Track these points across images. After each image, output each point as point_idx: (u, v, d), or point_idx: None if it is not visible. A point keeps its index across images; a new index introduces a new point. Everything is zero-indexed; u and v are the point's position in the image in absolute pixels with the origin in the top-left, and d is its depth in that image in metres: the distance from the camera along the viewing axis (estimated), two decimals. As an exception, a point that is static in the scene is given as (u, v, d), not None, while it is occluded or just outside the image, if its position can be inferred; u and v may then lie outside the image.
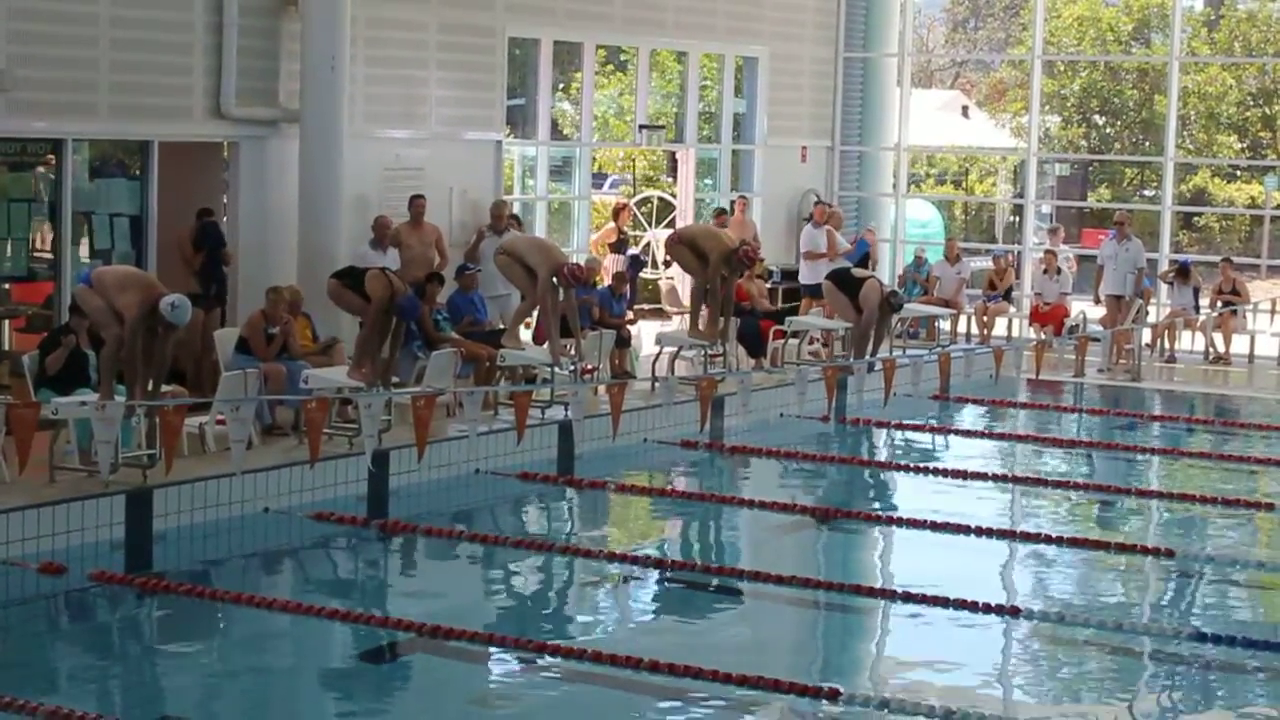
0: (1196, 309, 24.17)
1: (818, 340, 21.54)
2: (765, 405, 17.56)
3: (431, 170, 19.17)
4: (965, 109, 48.43)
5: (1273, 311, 22.43)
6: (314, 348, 15.99)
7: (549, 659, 10.14)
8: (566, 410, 15.22)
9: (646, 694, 9.62)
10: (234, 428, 12.35)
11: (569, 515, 14.63)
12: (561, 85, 27.03)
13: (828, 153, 26.48)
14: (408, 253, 18.02)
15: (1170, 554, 12.93)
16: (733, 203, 24.33)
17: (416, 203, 18.37)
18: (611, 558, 12.74)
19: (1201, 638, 10.71)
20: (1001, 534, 13.54)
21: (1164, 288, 24.90)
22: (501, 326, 18.21)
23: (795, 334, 20.88)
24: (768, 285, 23.15)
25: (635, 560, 12.66)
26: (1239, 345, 24.07)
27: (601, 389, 13.96)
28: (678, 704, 9.53)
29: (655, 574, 12.39)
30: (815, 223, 23.64)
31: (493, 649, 10.47)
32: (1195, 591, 12.42)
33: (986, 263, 27.26)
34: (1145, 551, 13.01)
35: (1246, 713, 9.76)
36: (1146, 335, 23.56)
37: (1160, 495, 15.35)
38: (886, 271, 26.17)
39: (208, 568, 12.41)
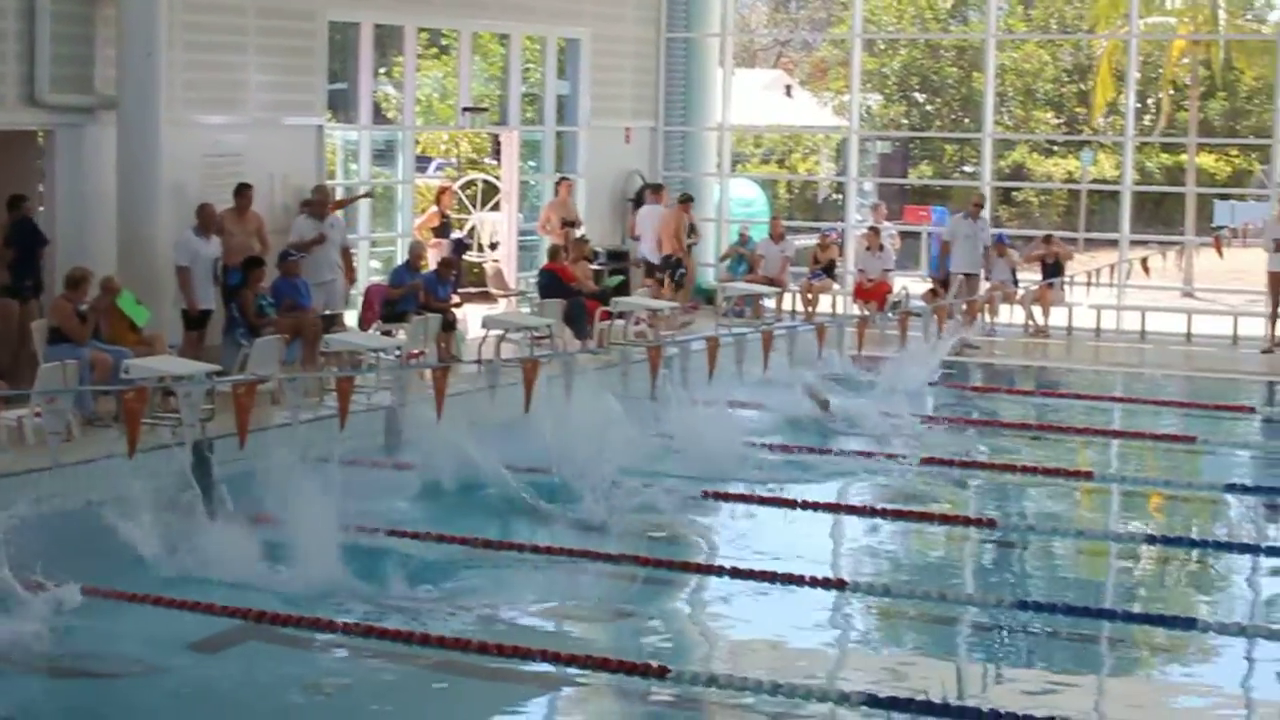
0: (1015, 283, 24.57)
1: (644, 321, 21.62)
2: (595, 383, 17.54)
3: (252, 156, 18.96)
4: (788, 88, 48.70)
5: (1089, 284, 22.78)
6: (134, 338, 15.79)
7: (379, 643, 10.09)
8: (391, 395, 15.16)
9: (471, 676, 9.63)
10: (49, 420, 12.14)
11: (397, 500, 14.52)
12: (383, 69, 26.85)
13: (651, 133, 26.56)
14: (230, 240, 17.82)
15: (992, 524, 13.15)
16: (557, 184, 24.34)
17: (244, 193, 18.19)
18: (439, 539, 12.65)
19: (1023, 606, 10.90)
20: (827, 507, 13.69)
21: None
22: (327, 312, 18.11)
23: (621, 314, 20.93)
24: (593, 266, 23.19)
25: (464, 541, 12.59)
26: (1058, 318, 24.53)
27: (427, 373, 13.88)
28: (501, 685, 9.54)
29: (489, 554, 12.33)
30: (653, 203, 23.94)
31: (322, 635, 10.40)
32: (1018, 560, 12.64)
33: (811, 240, 27.50)
34: (968, 522, 13.22)
35: (1068, 680, 9.94)
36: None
37: (983, 466, 15.55)
38: (711, 251, 26.34)
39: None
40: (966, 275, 23.36)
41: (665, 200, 24.57)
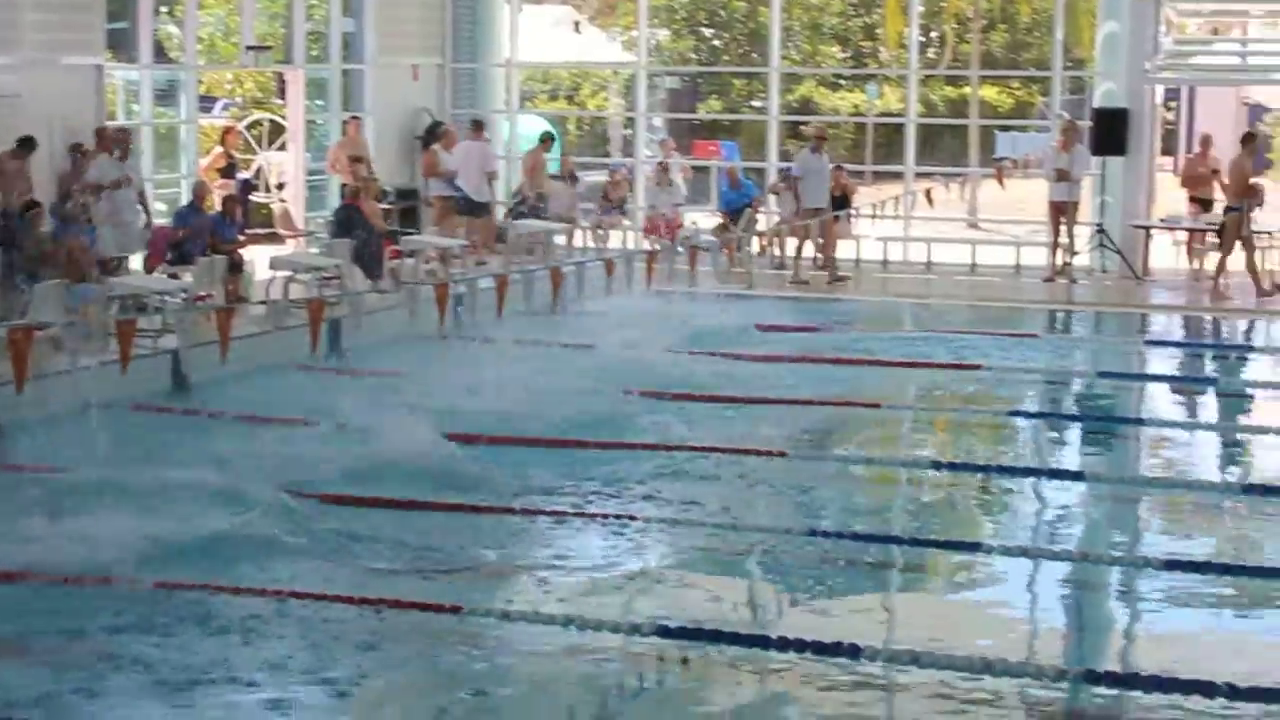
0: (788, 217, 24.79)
1: (434, 259, 21.52)
2: (382, 325, 17.46)
3: (29, 97, 18.52)
4: (577, 24, 48.54)
5: (874, 216, 23.11)
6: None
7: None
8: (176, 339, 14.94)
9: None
10: None
11: (183, 444, 14.29)
12: (165, 7, 26.31)
13: (439, 71, 26.38)
14: (8, 183, 17.46)
15: (783, 454, 13.27)
16: (345, 123, 24.09)
17: (27, 141, 17.85)
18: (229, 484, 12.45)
19: (814, 534, 11.05)
20: (617, 446, 13.65)
21: (771, 197, 25.54)
22: (120, 254, 17.84)
23: (412, 253, 20.80)
24: (383, 205, 23.01)
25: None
26: (845, 250, 24.81)
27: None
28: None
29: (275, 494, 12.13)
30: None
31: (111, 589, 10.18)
32: (808, 490, 12.73)
33: (600, 177, 27.52)
34: (759, 454, 13.30)
35: (860, 605, 10.07)
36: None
37: (773, 403, 15.49)
38: (501, 189, 26.25)
39: None
40: (816, 210, 23.31)
41: (482, 137, 24.36)
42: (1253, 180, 21.87)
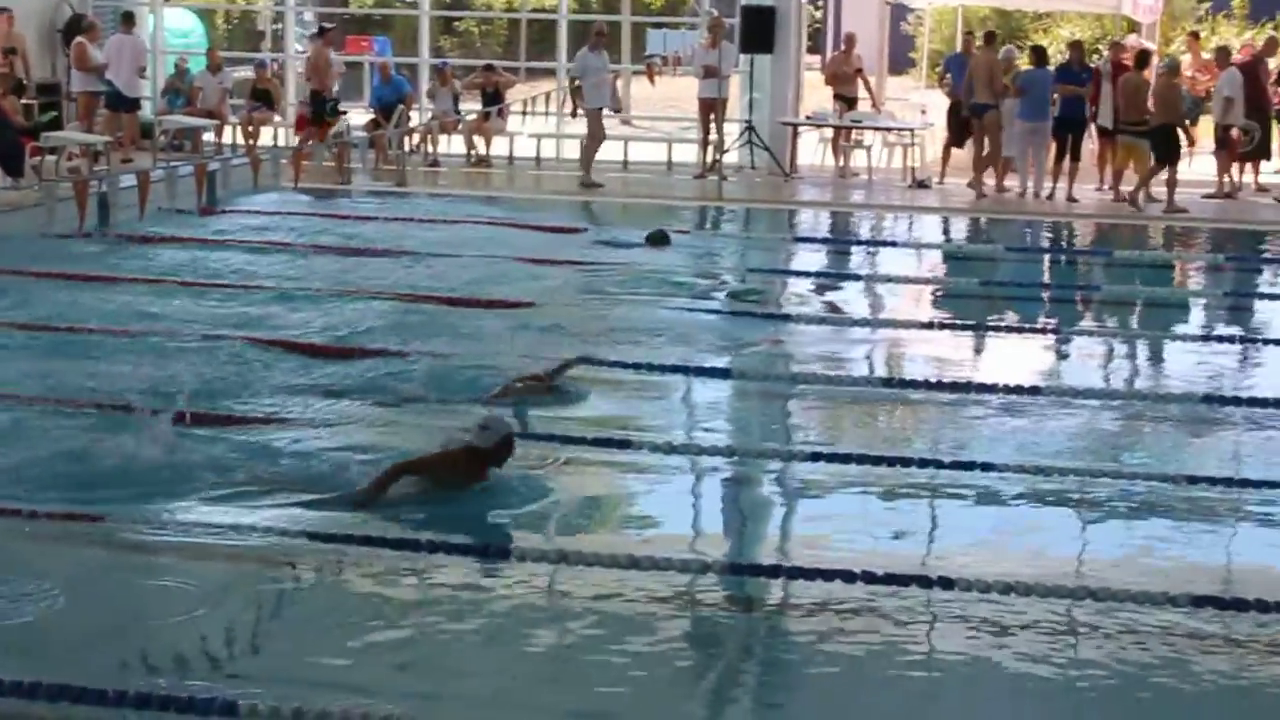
0: (457, 112, 24.70)
1: (77, 156, 20.90)
2: (20, 224, 16.86)
3: None
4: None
5: (525, 112, 23.12)
6: None
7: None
8: None
9: None
10: None
11: None
12: None
13: (78, -39, 25.50)
14: None
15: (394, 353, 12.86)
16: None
17: None
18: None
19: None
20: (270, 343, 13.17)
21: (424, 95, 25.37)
22: None
23: (54, 150, 20.16)
24: (24, 101, 22.20)
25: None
26: (499, 147, 24.81)
27: None
28: None
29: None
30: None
31: None
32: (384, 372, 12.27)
33: (249, 72, 26.94)
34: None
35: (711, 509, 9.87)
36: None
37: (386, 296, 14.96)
38: (149, 85, 25.51)
39: None
40: (598, 110, 23.00)
41: (132, 31, 23.59)
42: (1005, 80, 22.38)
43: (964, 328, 13.96)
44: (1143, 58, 22.80)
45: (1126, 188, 22.01)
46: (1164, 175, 21.69)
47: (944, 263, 18.54)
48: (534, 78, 31.43)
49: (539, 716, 6.45)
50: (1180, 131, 21.93)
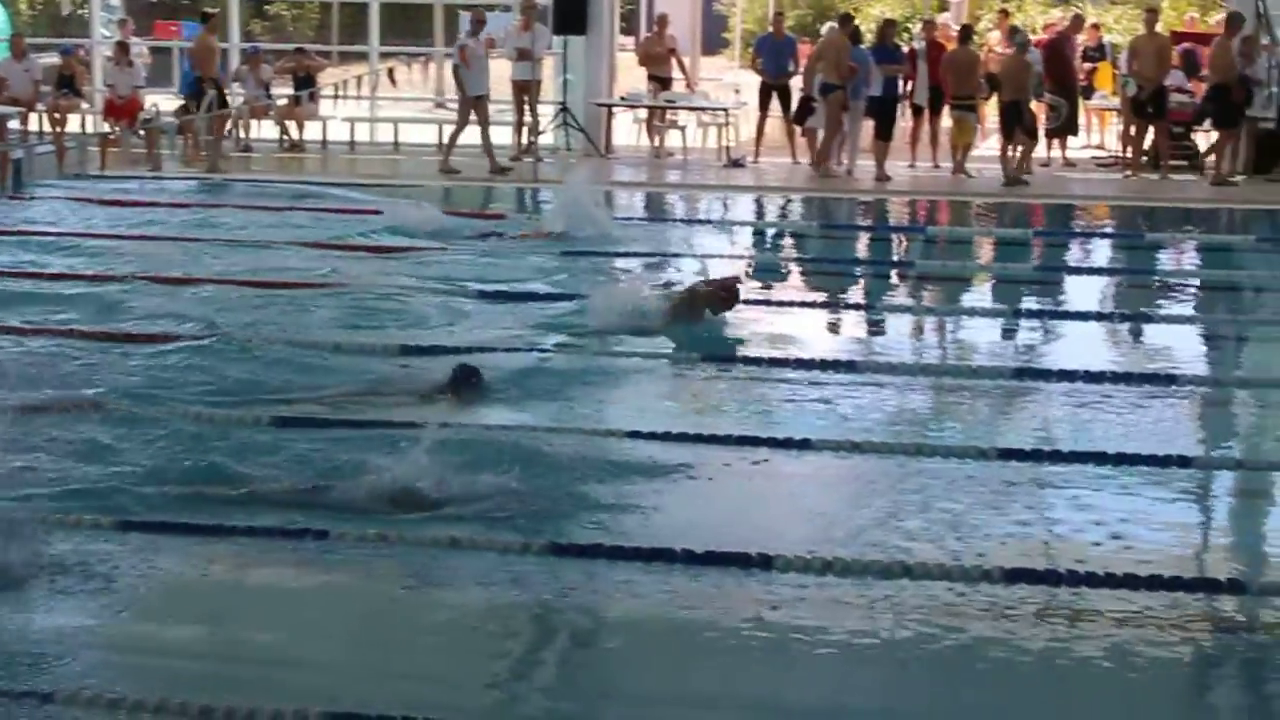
0: (268, 97, 24.41)
1: None
2: None
3: None
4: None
5: (336, 96, 22.91)
6: None
7: None
8: None
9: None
10: None
11: None
12: None
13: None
14: None
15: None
16: None
17: None
18: None
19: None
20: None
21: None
22: None
23: None
24: None
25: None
26: (312, 132, 24.56)
27: None
28: None
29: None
30: None
31: None
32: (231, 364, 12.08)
33: (55, 58, 26.39)
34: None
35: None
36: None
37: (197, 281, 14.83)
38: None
39: None
40: (479, 97, 22.68)
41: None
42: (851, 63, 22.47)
43: (780, 304, 14.02)
44: (966, 33, 23.21)
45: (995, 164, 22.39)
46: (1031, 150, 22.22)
47: (766, 241, 18.69)
48: (346, 62, 31.11)
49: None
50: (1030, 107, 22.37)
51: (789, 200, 21.51)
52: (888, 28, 23.66)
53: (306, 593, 7.58)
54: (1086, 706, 6.45)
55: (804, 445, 9.44)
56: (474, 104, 22.51)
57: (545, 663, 6.85)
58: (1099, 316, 13.97)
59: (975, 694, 6.54)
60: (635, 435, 9.58)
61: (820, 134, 22.85)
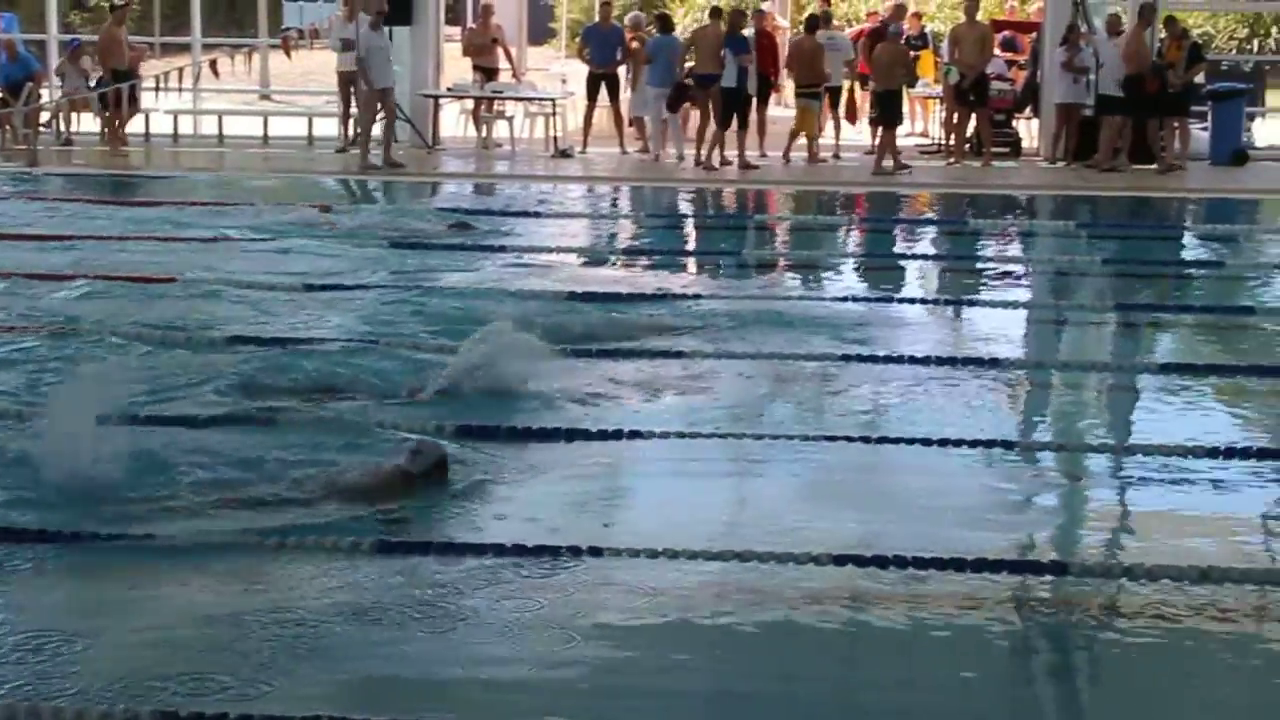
0: (89, 89, 24.02)
1: None
2: None
3: None
4: None
5: (158, 88, 22.62)
6: None
7: None
8: None
9: None
10: None
11: None
12: None
13: None
14: None
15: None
16: None
17: None
18: None
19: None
20: None
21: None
22: None
23: None
24: None
25: None
26: (134, 125, 24.20)
27: None
28: None
29: None
30: None
31: None
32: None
33: None
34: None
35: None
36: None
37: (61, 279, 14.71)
38: None
39: None
40: (384, 90, 22.26)
41: None
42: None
43: (610, 298, 13.95)
44: (812, 22, 23.45)
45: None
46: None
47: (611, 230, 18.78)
48: (168, 53, 30.69)
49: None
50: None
51: (618, 190, 21.59)
52: (738, 18, 23.68)
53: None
54: (924, 688, 6.53)
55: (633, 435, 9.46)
56: (379, 96, 22.34)
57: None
58: (922, 301, 14.17)
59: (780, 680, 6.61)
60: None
61: (648, 123, 23.03)
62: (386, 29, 23.54)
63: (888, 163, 22.34)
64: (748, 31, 23.19)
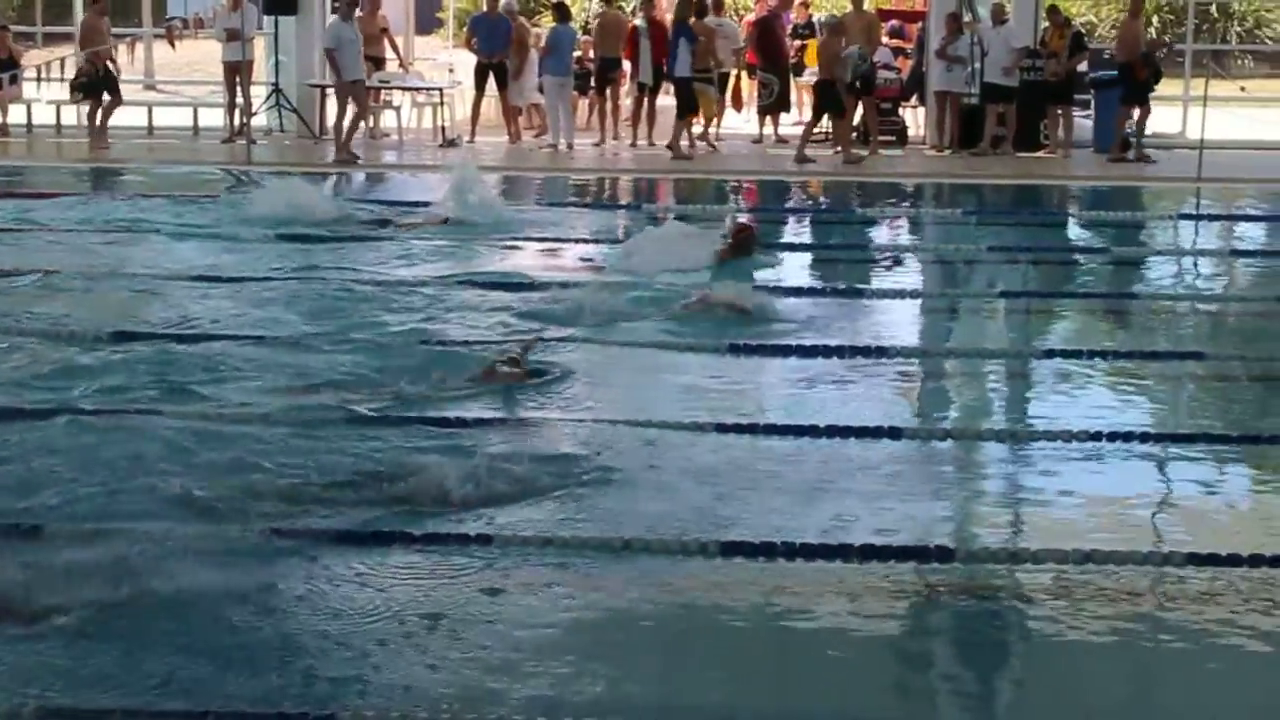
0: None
1: None
2: None
3: None
4: None
5: (39, 79, 22.35)
6: None
7: None
8: None
9: None
10: None
11: None
12: None
13: None
14: None
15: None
16: None
17: None
18: None
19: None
20: None
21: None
22: None
23: None
24: None
25: None
26: (16, 115, 23.87)
27: None
28: None
29: None
30: None
31: None
32: None
33: None
34: None
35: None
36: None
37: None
38: None
39: None
40: (354, 83, 22.02)
41: None
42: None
43: (501, 285, 13.90)
44: (702, 9, 23.46)
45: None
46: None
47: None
48: (51, 43, 30.32)
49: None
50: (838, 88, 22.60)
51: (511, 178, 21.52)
52: (685, 8, 23.40)
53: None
54: (803, 679, 6.58)
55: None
56: (350, 88, 22.15)
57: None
58: (811, 292, 14.22)
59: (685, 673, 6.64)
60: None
61: (561, 113, 23.19)
62: (270, 18, 23.41)
63: (858, 150, 22.50)
64: (639, 21, 23.34)
